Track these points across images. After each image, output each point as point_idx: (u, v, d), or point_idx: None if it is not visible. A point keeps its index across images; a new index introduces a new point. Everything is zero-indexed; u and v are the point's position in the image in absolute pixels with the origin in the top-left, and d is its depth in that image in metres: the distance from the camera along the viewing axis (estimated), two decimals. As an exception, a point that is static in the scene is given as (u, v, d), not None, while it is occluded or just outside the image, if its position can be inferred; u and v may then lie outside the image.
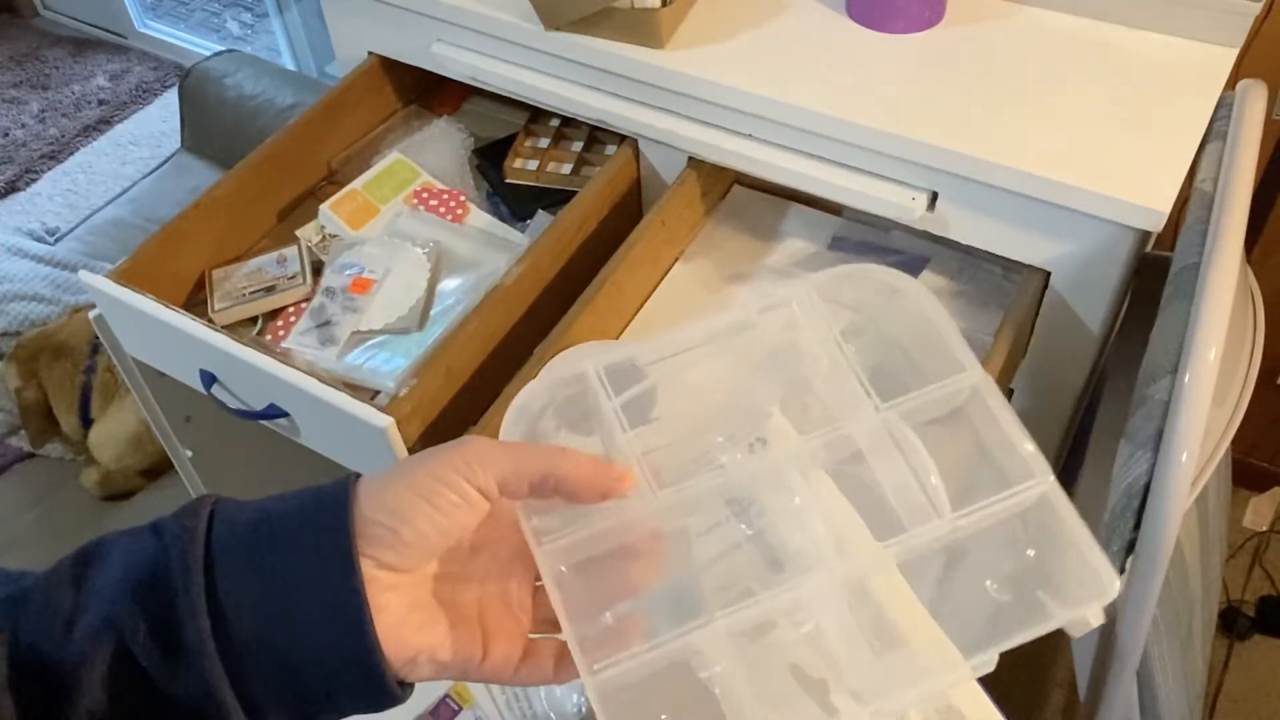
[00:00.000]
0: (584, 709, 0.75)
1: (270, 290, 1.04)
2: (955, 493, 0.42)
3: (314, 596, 0.37)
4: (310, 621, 0.36)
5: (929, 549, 0.41)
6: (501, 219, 1.12)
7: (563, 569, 0.41)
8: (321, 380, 0.87)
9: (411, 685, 0.40)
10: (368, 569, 0.37)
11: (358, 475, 0.40)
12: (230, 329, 1.00)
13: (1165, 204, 0.80)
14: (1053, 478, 0.41)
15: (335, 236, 1.09)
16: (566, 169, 1.15)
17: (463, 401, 0.91)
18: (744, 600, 0.40)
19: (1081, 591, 0.40)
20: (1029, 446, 0.41)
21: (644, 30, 0.97)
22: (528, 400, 0.46)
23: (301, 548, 0.37)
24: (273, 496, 0.40)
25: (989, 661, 0.40)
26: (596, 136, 1.17)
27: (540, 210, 1.12)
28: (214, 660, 0.35)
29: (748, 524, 0.43)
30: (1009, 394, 1.02)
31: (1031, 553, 0.41)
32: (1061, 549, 0.40)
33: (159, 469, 1.56)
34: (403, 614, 0.39)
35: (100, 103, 2.79)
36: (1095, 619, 0.41)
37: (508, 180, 1.15)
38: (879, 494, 0.43)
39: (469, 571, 0.42)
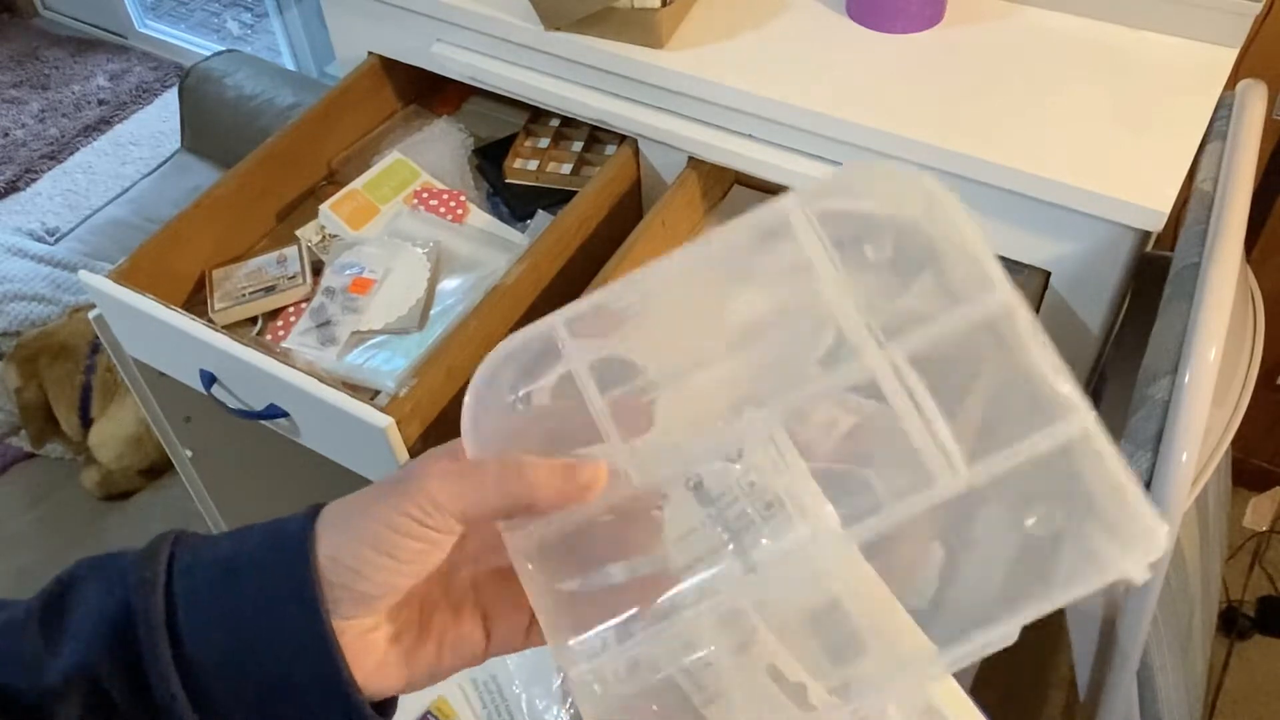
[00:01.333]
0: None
1: (270, 290, 1.04)
2: (976, 432, 0.37)
3: (282, 644, 0.36)
4: (283, 672, 0.36)
5: (943, 504, 0.37)
6: (501, 219, 1.12)
7: (534, 551, 0.39)
8: (321, 380, 0.87)
9: (394, 706, 0.40)
10: (337, 624, 0.36)
11: (315, 513, 0.38)
12: (230, 329, 1.00)
13: (1165, 204, 0.80)
14: (1093, 414, 0.36)
15: (335, 236, 1.09)
16: (566, 169, 1.15)
17: (462, 401, 0.91)
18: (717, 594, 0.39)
19: (1132, 539, 0.34)
20: (1064, 385, 0.36)
21: (644, 30, 0.97)
22: (482, 390, 0.41)
23: (265, 599, 0.36)
24: (232, 535, 0.39)
25: (1012, 633, 0.37)
26: (596, 136, 1.17)
27: (540, 210, 1.12)
28: (188, 710, 0.35)
29: (725, 527, 0.41)
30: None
31: (1062, 509, 0.36)
32: (1104, 496, 0.36)
33: (159, 469, 1.56)
34: (384, 650, 0.38)
35: (100, 103, 2.79)
36: (1141, 572, 0.36)
37: (508, 180, 1.15)
38: (894, 445, 0.39)
39: (458, 558, 0.40)
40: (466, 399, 0.41)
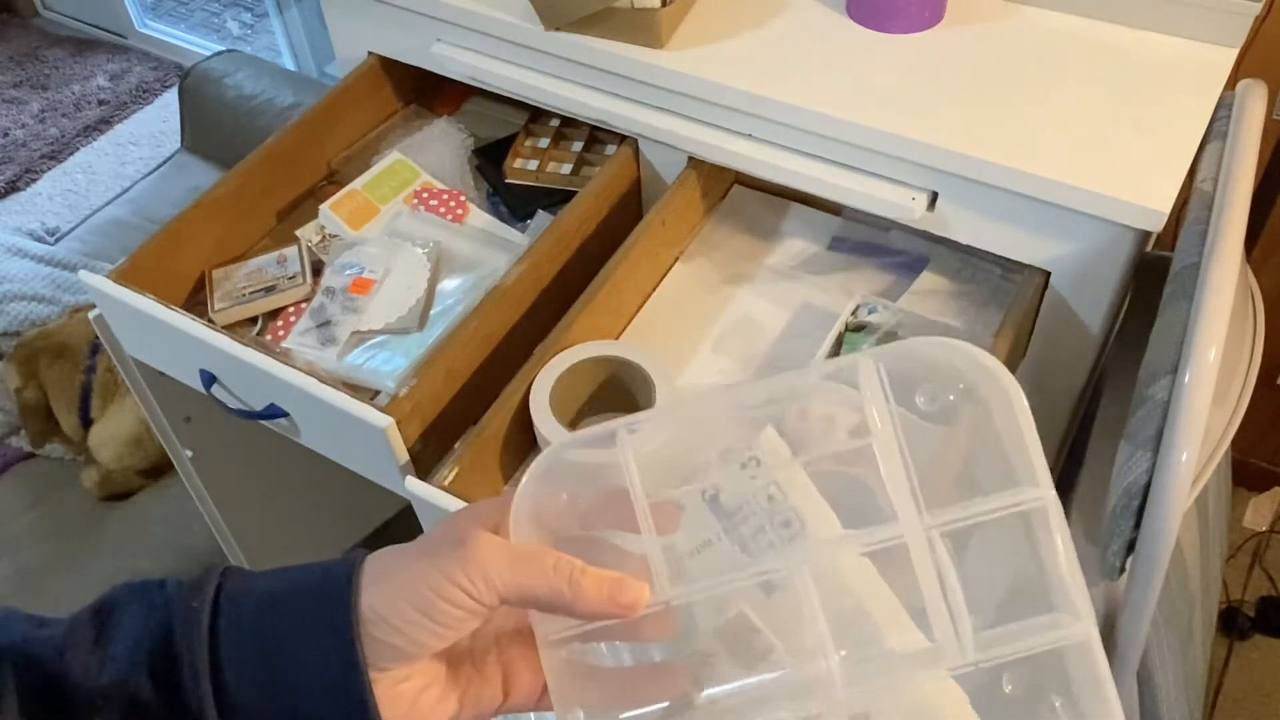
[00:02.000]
0: None
1: (270, 290, 1.04)
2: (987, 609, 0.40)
3: (317, 685, 0.37)
4: (318, 716, 0.37)
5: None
6: (501, 219, 1.12)
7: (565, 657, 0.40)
8: (321, 380, 0.87)
9: None
10: (371, 674, 0.37)
11: (360, 559, 0.39)
12: (230, 329, 1.00)
13: (1165, 204, 0.80)
14: (1092, 621, 0.39)
15: (335, 236, 1.09)
16: (566, 169, 1.15)
17: (463, 401, 0.91)
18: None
19: None
20: (1078, 581, 0.39)
21: (644, 30, 0.97)
22: (538, 495, 0.41)
23: (304, 638, 0.37)
24: (279, 573, 0.40)
25: None
26: (596, 136, 1.17)
27: (540, 210, 1.12)
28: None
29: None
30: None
31: (1058, 702, 0.39)
32: (1087, 694, 0.39)
33: (159, 469, 1.56)
34: (411, 701, 0.39)
35: (100, 103, 2.79)
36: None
37: (508, 180, 1.15)
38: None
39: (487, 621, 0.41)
40: (525, 484, 0.42)
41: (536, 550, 0.39)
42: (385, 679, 0.37)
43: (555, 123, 1.19)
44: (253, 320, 1.04)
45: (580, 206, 1.02)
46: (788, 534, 0.40)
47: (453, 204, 1.11)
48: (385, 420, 0.83)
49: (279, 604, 0.38)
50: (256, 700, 0.37)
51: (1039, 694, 0.39)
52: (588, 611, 0.38)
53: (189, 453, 1.20)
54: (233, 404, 0.98)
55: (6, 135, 2.68)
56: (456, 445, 0.84)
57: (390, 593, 0.37)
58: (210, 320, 1.00)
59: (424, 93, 1.27)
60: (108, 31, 3.03)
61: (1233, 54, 0.93)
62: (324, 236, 1.09)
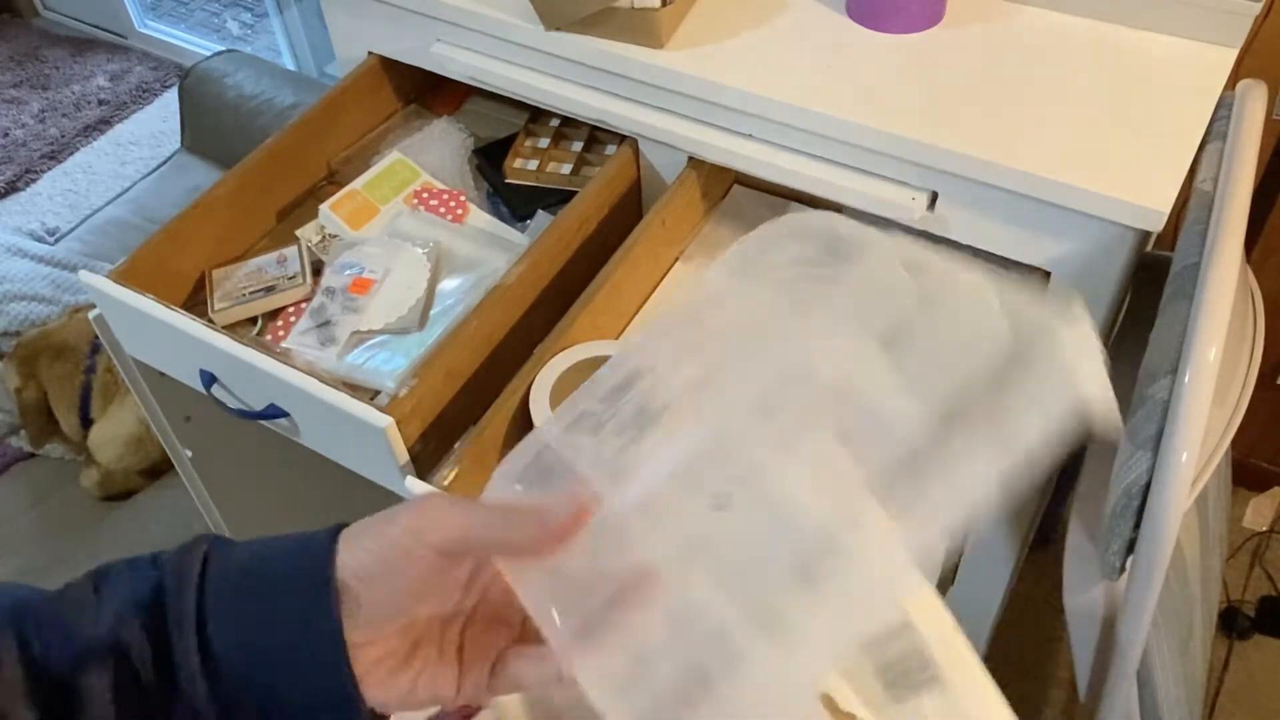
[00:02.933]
0: None
1: (270, 290, 1.04)
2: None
3: (297, 641, 0.39)
4: (292, 664, 0.39)
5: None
6: (501, 219, 1.12)
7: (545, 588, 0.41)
8: (321, 380, 0.87)
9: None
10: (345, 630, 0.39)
11: (340, 527, 0.41)
12: (230, 329, 1.00)
13: (1165, 204, 0.80)
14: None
15: (335, 236, 1.09)
16: (566, 169, 1.15)
17: (463, 401, 0.91)
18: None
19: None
20: None
21: (644, 30, 0.97)
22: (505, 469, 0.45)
23: (285, 597, 0.39)
24: (265, 539, 0.42)
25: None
26: (596, 136, 1.17)
27: (540, 210, 1.12)
28: (205, 694, 0.38)
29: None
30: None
31: None
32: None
33: (159, 469, 1.56)
34: (367, 666, 0.40)
35: (100, 103, 2.79)
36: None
37: (508, 180, 1.15)
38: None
39: (454, 610, 0.44)
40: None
41: (478, 502, 0.41)
42: (350, 639, 0.39)
43: (555, 123, 1.19)
44: (253, 320, 1.04)
45: (580, 206, 1.02)
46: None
47: (453, 204, 1.11)
48: (385, 420, 0.83)
49: (265, 560, 0.41)
50: (239, 652, 0.39)
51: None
52: (525, 547, 0.40)
53: (189, 453, 1.20)
54: (233, 404, 0.98)
55: (6, 135, 2.68)
56: (456, 445, 0.84)
57: (360, 555, 0.40)
58: (210, 320, 1.00)
59: (424, 93, 1.27)
60: (108, 31, 3.03)
61: (1233, 54, 0.93)
62: (324, 236, 1.09)
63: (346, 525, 0.42)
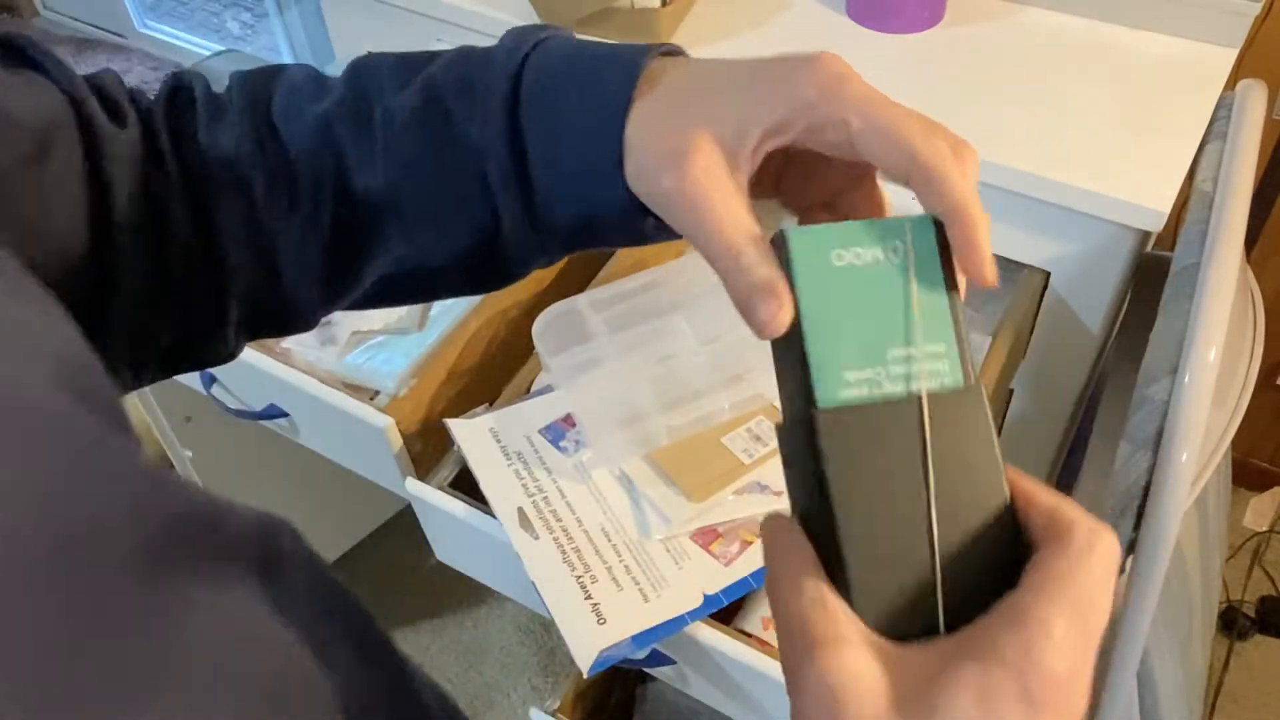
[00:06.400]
0: None
1: (270, 290, 1.04)
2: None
3: (581, 126, 0.38)
4: (574, 137, 0.38)
5: None
6: (501, 219, 1.12)
7: None
8: (321, 380, 0.87)
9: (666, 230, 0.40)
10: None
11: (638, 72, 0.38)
12: (230, 329, 1.00)
13: (1165, 204, 0.80)
14: None
15: (335, 236, 1.09)
16: (566, 169, 1.15)
17: (463, 401, 0.91)
18: None
19: None
20: None
21: (644, 30, 0.97)
22: None
23: (589, 86, 0.39)
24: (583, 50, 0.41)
25: None
26: (596, 136, 1.17)
27: (540, 210, 1.12)
28: (500, 115, 0.39)
29: None
30: (1009, 394, 1.02)
31: None
32: None
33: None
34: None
35: (100, 103, 2.79)
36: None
37: (508, 180, 1.15)
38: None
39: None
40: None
41: (728, 205, 0.36)
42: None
43: (555, 123, 1.19)
44: (253, 320, 1.04)
45: (580, 206, 1.02)
46: None
47: (453, 204, 1.11)
48: (385, 420, 0.83)
49: (581, 55, 0.40)
50: (540, 80, 0.39)
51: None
52: (732, 296, 0.34)
53: (189, 453, 1.20)
54: (233, 404, 0.98)
55: (6, 135, 2.68)
56: (456, 445, 0.84)
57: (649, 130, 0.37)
58: (210, 320, 1.00)
59: (424, 93, 1.27)
60: (108, 31, 3.03)
61: (1233, 54, 0.93)
62: (324, 236, 1.09)
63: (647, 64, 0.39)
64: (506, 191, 0.40)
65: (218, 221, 0.42)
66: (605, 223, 0.40)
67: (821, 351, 0.33)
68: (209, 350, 0.45)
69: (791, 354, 0.34)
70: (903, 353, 0.34)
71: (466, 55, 0.42)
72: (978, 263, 0.35)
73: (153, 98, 0.45)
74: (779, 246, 0.35)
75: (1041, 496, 0.32)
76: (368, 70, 0.43)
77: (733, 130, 0.36)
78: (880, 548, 0.31)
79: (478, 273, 0.44)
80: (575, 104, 0.39)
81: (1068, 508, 0.31)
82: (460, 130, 0.40)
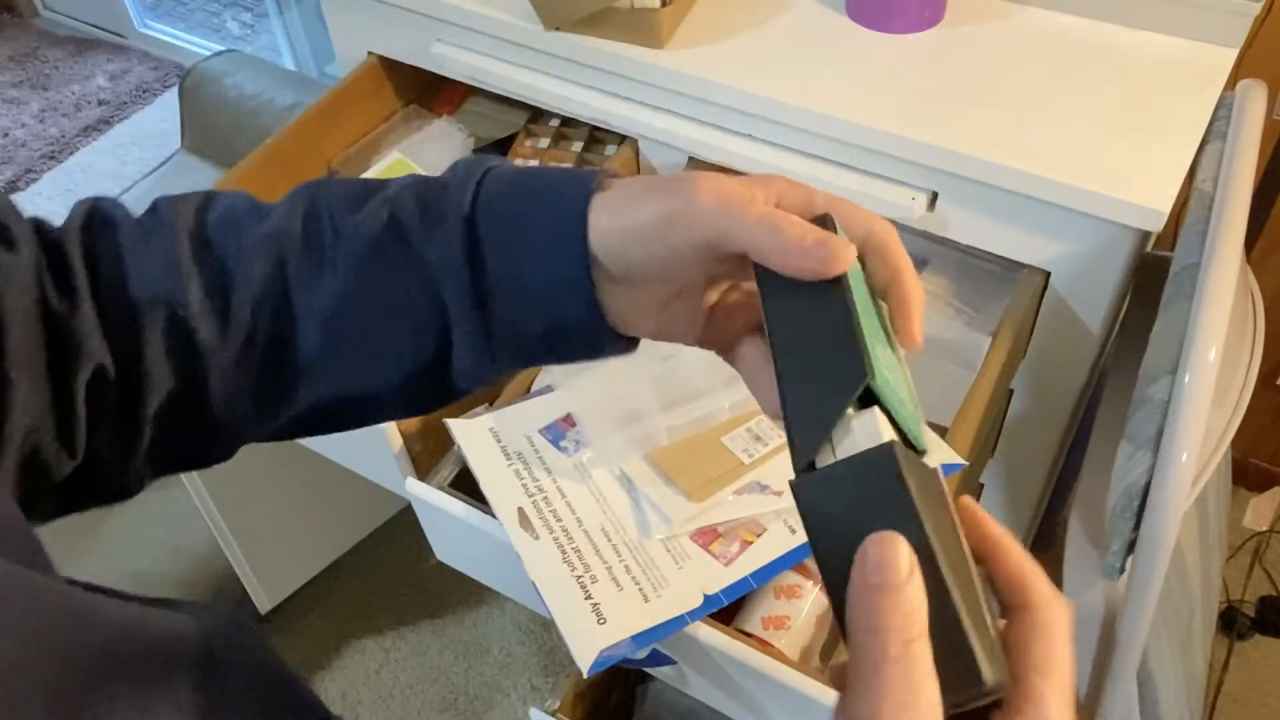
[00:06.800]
0: None
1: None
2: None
3: (546, 236, 0.40)
4: (538, 249, 0.40)
5: None
6: (501, 219, 1.12)
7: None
8: (321, 380, 0.87)
9: (634, 341, 0.43)
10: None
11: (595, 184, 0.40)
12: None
13: (1165, 204, 0.80)
14: None
15: (335, 236, 1.09)
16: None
17: (463, 402, 0.91)
18: None
19: None
20: None
21: (644, 30, 0.97)
22: None
23: (548, 202, 0.40)
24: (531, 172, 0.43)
25: None
26: (596, 136, 1.17)
27: (540, 210, 1.12)
28: (459, 235, 0.40)
29: None
30: (1009, 394, 1.02)
31: None
32: None
33: (159, 469, 1.55)
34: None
35: (100, 103, 2.79)
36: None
37: (508, 180, 1.15)
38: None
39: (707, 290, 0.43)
40: None
41: (750, 196, 0.38)
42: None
43: (555, 123, 1.19)
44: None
45: (580, 206, 1.02)
46: None
47: (453, 204, 1.11)
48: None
49: (535, 175, 0.42)
50: (498, 218, 0.40)
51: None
52: (783, 260, 0.36)
53: (189, 453, 1.20)
54: (233, 404, 0.97)
55: (6, 135, 2.68)
56: (456, 445, 0.84)
57: (614, 223, 0.39)
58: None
59: (424, 93, 1.27)
60: (108, 31, 3.02)
61: (1233, 54, 0.93)
62: (324, 236, 1.09)
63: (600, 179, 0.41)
64: (465, 312, 0.40)
65: (143, 341, 0.40)
66: (568, 332, 0.41)
67: (866, 329, 0.33)
68: (111, 483, 0.44)
69: (826, 352, 0.33)
70: (882, 353, 0.35)
71: (422, 181, 0.43)
72: (909, 327, 0.38)
73: (63, 223, 0.44)
74: (823, 222, 0.37)
75: (1011, 561, 0.32)
76: (315, 193, 0.43)
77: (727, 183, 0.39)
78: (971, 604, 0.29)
79: (418, 394, 0.44)
80: (535, 218, 0.40)
81: (1037, 582, 0.32)
82: (418, 252, 0.41)
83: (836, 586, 0.30)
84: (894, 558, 0.28)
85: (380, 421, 0.47)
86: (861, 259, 0.38)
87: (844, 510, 0.30)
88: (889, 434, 0.31)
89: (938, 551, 0.28)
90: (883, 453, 0.30)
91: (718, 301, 0.43)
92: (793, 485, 0.32)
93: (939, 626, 0.28)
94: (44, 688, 0.24)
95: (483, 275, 0.40)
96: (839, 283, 0.35)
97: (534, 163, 1.15)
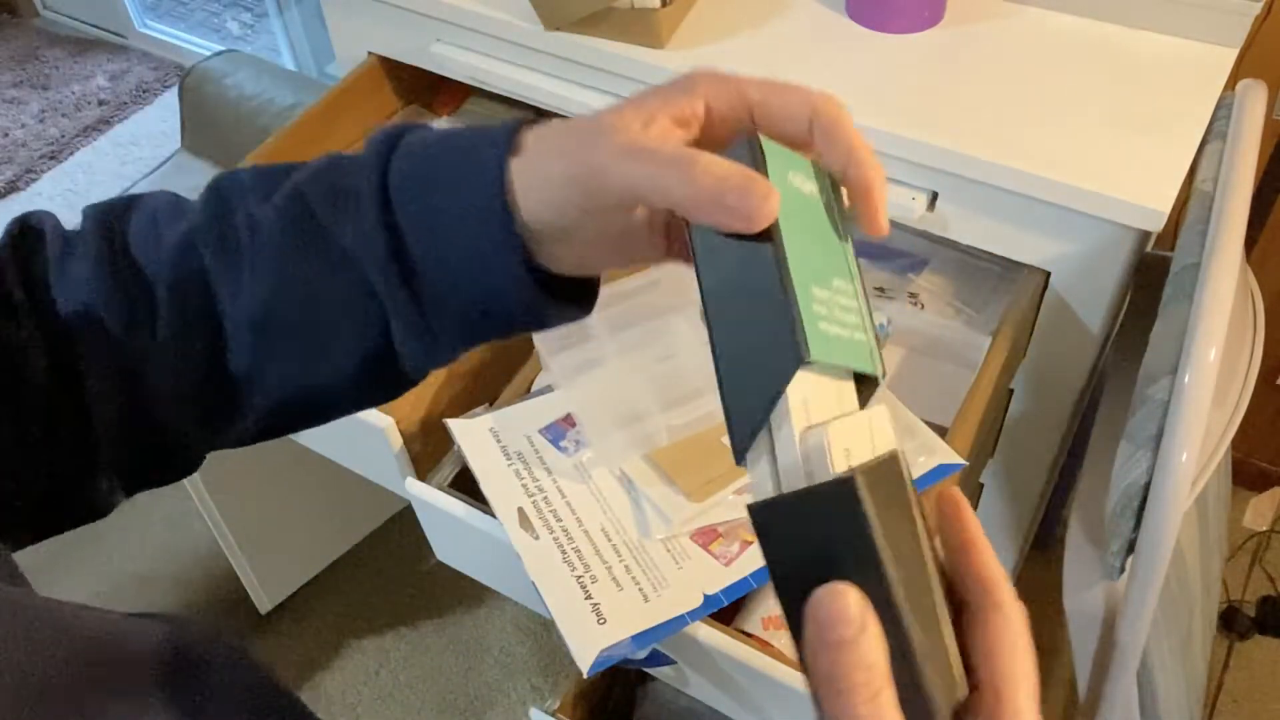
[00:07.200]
0: None
1: (270, 290, 1.04)
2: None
3: (463, 208, 0.37)
4: (456, 221, 0.37)
5: None
6: (501, 219, 1.12)
7: None
8: (321, 380, 0.87)
9: (587, 306, 0.41)
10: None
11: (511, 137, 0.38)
12: (230, 329, 1.00)
13: (1165, 204, 0.80)
14: None
15: (335, 236, 1.09)
16: (566, 169, 1.15)
17: (463, 402, 0.91)
18: None
19: None
20: None
21: (644, 30, 0.97)
22: None
23: (463, 172, 0.38)
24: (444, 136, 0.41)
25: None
26: (596, 136, 1.17)
27: (540, 210, 1.12)
28: (373, 215, 0.38)
29: None
30: (1009, 394, 1.02)
31: None
32: None
33: (159, 469, 1.56)
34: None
35: (100, 103, 2.79)
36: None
37: (508, 180, 1.15)
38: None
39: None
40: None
41: (656, 140, 0.35)
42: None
43: (555, 123, 1.19)
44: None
45: (580, 206, 1.02)
46: None
47: (453, 204, 1.11)
48: (385, 420, 0.83)
49: (447, 142, 0.39)
50: (411, 180, 0.39)
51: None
52: (699, 215, 0.33)
53: (189, 453, 1.20)
54: (233, 404, 0.97)
55: (6, 135, 2.68)
56: (456, 445, 0.84)
57: (536, 173, 0.37)
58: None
59: (424, 93, 1.27)
60: (108, 31, 3.02)
61: (1233, 54, 0.93)
62: (324, 236, 1.09)
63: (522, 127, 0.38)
64: (393, 294, 0.38)
65: (79, 357, 0.39)
66: (505, 304, 0.38)
67: (800, 279, 0.31)
68: (78, 505, 0.42)
69: (760, 310, 0.31)
70: (825, 295, 0.32)
71: (333, 162, 0.41)
72: (873, 211, 0.35)
73: None
74: (747, 149, 0.33)
75: (982, 560, 0.33)
76: (228, 185, 0.41)
77: (641, 118, 0.36)
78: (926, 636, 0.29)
79: (372, 386, 0.43)
80: (451, 191, 0.37)
81: (1005, 585, 0.32)
82: (334, 238, 0.39)
83: (793, 617, 0.29)
84: (844, 612, 0.28)
85: (347, 414, 0.45)
86: (810, 144, 0.35)
87: (803, 543, 0.29)
88: (839, 445, 0.29)
89: (897, 593, 0.28)
90: (845, 491, 0.28)
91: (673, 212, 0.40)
92: (750, 510, 0.30)
93: (898, 665, 0.28)
94: (23, 699, 0.24)
95: (404, 254, 0.38)
96: (768, 233, 0.32)
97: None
